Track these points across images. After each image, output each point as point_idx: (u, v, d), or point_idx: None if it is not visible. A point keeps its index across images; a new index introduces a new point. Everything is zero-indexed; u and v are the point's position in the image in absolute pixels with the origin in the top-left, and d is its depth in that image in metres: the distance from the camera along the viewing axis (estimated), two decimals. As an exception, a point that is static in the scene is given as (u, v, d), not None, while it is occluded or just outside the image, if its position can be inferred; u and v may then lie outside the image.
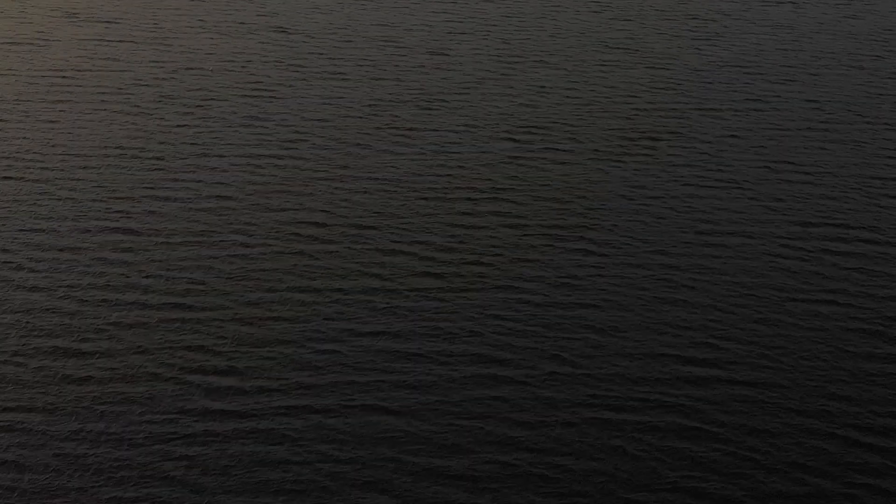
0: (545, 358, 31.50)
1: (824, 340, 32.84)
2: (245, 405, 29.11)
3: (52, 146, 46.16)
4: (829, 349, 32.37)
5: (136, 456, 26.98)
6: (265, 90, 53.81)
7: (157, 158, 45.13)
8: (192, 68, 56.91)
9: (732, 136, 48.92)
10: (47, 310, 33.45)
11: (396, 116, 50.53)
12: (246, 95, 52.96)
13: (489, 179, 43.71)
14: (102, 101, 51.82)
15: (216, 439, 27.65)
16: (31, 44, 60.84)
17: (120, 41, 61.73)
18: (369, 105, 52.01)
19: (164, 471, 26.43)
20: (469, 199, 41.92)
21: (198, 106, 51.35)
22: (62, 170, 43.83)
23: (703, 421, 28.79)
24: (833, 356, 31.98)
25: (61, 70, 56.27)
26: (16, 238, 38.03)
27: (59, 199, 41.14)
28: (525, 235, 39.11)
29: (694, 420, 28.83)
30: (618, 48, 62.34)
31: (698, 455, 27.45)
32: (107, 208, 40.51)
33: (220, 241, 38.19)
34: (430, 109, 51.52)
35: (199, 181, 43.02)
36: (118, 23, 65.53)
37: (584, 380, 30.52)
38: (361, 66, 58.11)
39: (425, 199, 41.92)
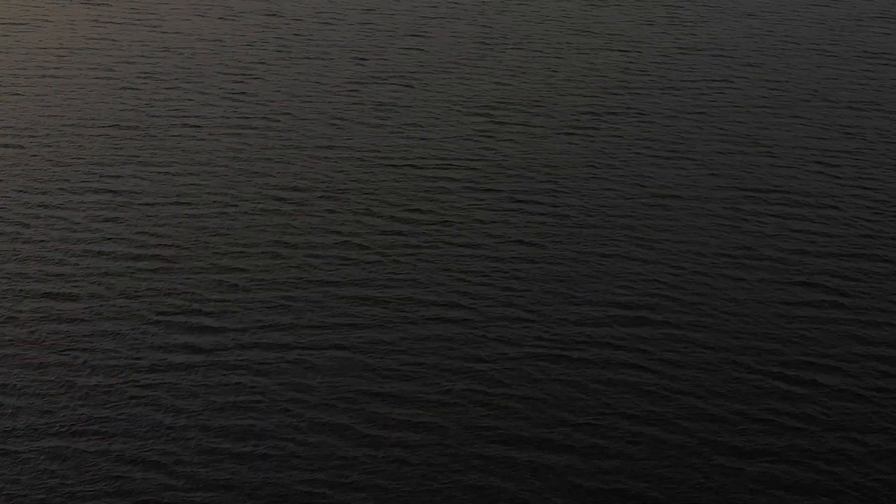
0: (503, 304, 33.92)
1: (754, 288, 35.30)
2: (219, 344, 31.53)
3: (45, 117, 48.54)
4: (756, 295, 34.83)
5: (119, 383, 29.42)
6: (250, 69, 56.17)
7: (144, 130, 47.52)
8: (180, 48, 59.28)
9: (696, 113, 51.30)
10: (39, 260, 35.88)
11: (376, 93, 52.91)
12: (231, 74, 55.31)
13: (461, 151, 46.10)
14: (95, 77, 54.17)
15: (195, 373, 30.07)
16: (27, 24, 63.23)
17: (112, 22, 64.07)
18: (350, 83, 54.39)
19: (147, 398, 28.88)
20: (441, 167, 44.30)
21: (185, 82, 53.71)
22: (54, 139, 46.22)
23: (644, 359, 31.23)
24: (758, 301, 34.44)
25: (54, 49, 58.63)
26: (10, 198, 40.43)
27: (51, 165, 43.52)
28: (493, 200, 41.50)
29: (632, 355, 31.26)
30: (591, 32, 64.69)
31: (639, 387, 29.90)
32: (95, 173, 42.91)
33: (203, 203, 40.59)
34: (409, 87, 53.90)
35: (184, 150, 45.41)
36: (110, 5, 67.88)
37: (538, 323, 32.93)
38: (344, 47, 60.47)
39: (398, 167, 44.31)
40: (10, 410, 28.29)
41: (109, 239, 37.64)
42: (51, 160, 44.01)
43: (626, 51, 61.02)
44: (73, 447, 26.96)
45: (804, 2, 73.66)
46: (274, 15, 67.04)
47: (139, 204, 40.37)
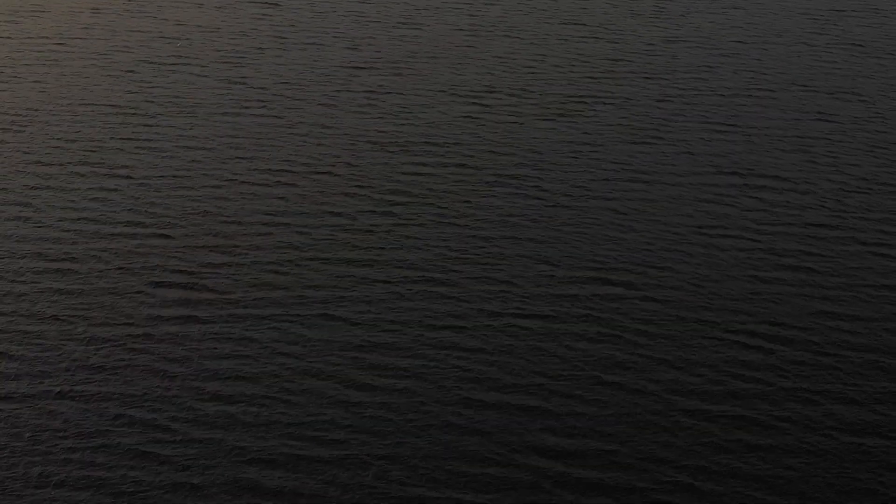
0: (483, 275, 35.49)
1: (724, 260, 36.89)
2: (207, 306, 33.10)
3: (46, 101, 50.10)
4: (725, 267, 36.42)
5: (115, 346, 31.02)
6: (245, 56, 57.71)
7: (141, 112, 49.08)
8: (177, 36, 60.82)
9: (676, 100, 52.85)
10: (40, 233, 37.46)
11: (367, 80, 54.46)
12: (227, 61, 56.85)
13: (448, 133, 47.67)
14: (94, 63, 55.74)
15: (188, 337, 31.66)
16: (31, 13, 64.77)
17: (110, 12, 65.60)
18: (342, 69, 55.94)
19: (141, 360, 30.49)
20: (428, 149, 45.85)
21: (181, 68, 55.26)
22: (55, 120, 47.78)
23: (616, 325, 32.82)
24: (727, 272, 36.04)
25: (54, 36, 60.20)
26: (13, 175, 41.98)
27: (52, 145, 45.09)
28: (477, 180, 43.07)
29: (605, 321, 32.85)
30: (578, 23, 66.25)
31: (612, 349, 31.49)
32: (94, 152, 44.47)
33: (197, 180, 42.15)
34: (399, 74, 55.45)
35: (180, 131, 46.96)
36: (111, -4, 69.52)
37: (517, 291, 34.51)
38: (337, 36, 62.01)
39: (387, 149, 45.87)
40: (12, 370, 29.84)
41: (107, 213, 39.19)
42: (51, 140, 45.56)
43: (612, 41, 62.57)
44: (73, 396, 28.52)
45: (789, -6, 75.30)
46: (269, 5, 68.58)
47: (136, 181, 41.93)
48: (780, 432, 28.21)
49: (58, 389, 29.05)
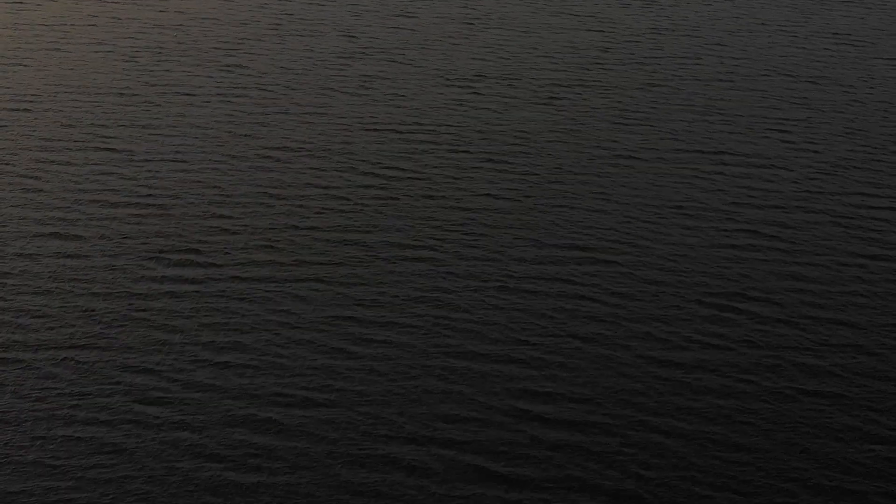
0: (470, 246, 37.23)
1: (700, 234, 38.62)
2: (203, 275, 34.86)
3: (51, 86, 51.90)
4: (701, 240, 38.17)
5: (117, 308, 32.80)
6: (243, 44, 59.47)
7: (143, 96, 50.86)
8: (177, 25, 62.59)
9: (661, 86, 54.58)
10: (47, 206, 39.23)
11: (362, 66, 56.20)
12: (226, 48, 58.60)
13: (439, 116, 49.41)
14: (98, 49, 57.53)
15: (187, 300, 33.42)
16: (36, 2, 66.57)
17: (114, 2, 67.38)
18: (338, 57, 57.69)
19: (142, 321, 32.26)
20: (420, 131, 47.59)
21: (182, 55, 57.04)
22: (60, 104, 49.57)
23: (596, 291, 34.56)
24: (703, 244, 37.78)
25: (60, 25, 61.99)
26: (21, 154, 43.74)
27: (58, 126, 46.87)
28: (466, 159, 44.81)
29: (585, 289, 34.58)
30: (568, 14, 67.99)
31: (590, 315, 33.22)
32: (97, 133, 46.25)
33: (196, 160, 43.89)
34: (393, 61, 57.19)
35: (180, 114, 48.72)
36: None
37: (502, 261, 36.26)
38: (333, 25, 63.75)
39: (380, 130, 47.61)
40: (18, 328, 31.58)
41: (110, 189, 40.95)
42: (57, 122, 47.33)
43: (601, 31, 64.31)
44: (75, 359, 30.26)
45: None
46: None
47: (138, 160, 43.69)
48: (748, 396, 29.94)
49: (63, 339, 30.78)
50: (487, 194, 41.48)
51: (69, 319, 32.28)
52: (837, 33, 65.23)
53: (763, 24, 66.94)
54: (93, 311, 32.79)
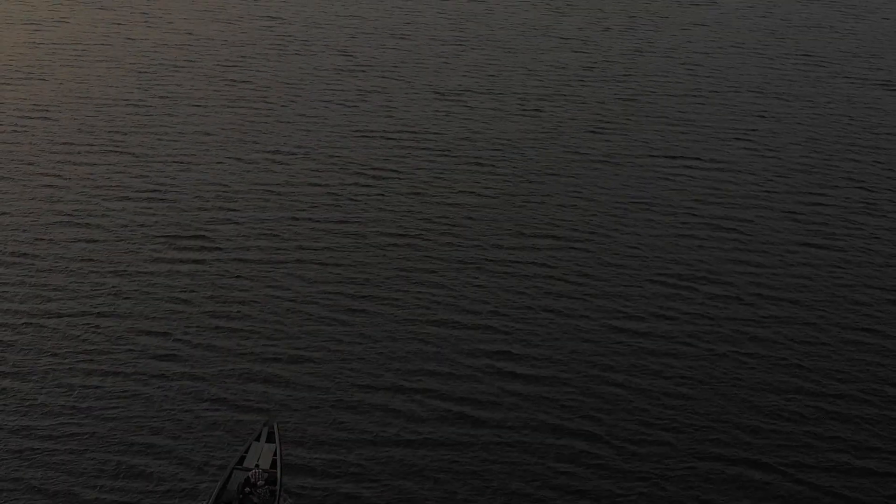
0: (450, 234, 41.08)
1: (661, 225, 42.45)
2: (210, 258, 38.69)
3: (69, 97, 55.97)
4: (661, 230, 41.99)
5: (133, 284, 36.66)
6: (247, 61, 63.60)
7: (154, 106, 54.91)
8: (186, 44, 66.78)
9: (634, 100, 58.60)
10: (68, 200, 43.17)
11: (357, 81, 60.27)
12: (231, 66, 62.73)
13: (428, 125, 53.40)
14: (111, 66, 61.68)
15: (197, 278, 37.25)
16: (54, 22, 70.77)
17: (127, 23, 71.63)
18: (334, 72, 61.78)
19: (156, 294, 36.09)
20: (409, 138, 51.56)
21: (190, 71, 61.16)
22: (78, 113, 53.61)
23: (559, 272, 38.37)
24: (662, 233, 41.62)
25: (75, 43, 66.18)
26: (43, 155, 47.69)
27: (76, 132, 50.87)
28: (451, 162, 48.73)
29: (550, 270, 38.39)
30: (554, 36, 72.19)
31: (559, 292, 37.01)
32: (112, 139, 50.25)
33: (203, 160, 47.84)
34: (387, 77, 61.29)
35: (188, 122, 52.74)
36: (123, 9, 75.51)
37: (480, 250, 40.09)
38: (330, 44, 67.90)
39: (373, 137, 51.59)
40: (45, 300, 35.39)
41: (125, 185, 44.89)
42: (75, 129, 51.35)
43: (583, 52, 68.47)
44: (96, 324, 34.06)
45: (751, 13, 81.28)
46: (271, 18, 74.63)
47: (150, 161, 47.63)
48: (694, 357, 33.72)
49: (79, 306, 34.56)
50: (471, 192, 45.35)
51: (89, 292, 36.11)
52: (808, 55, 69.33)
53: (736, 45, 71.10)
54: (111, 286, 36.61)
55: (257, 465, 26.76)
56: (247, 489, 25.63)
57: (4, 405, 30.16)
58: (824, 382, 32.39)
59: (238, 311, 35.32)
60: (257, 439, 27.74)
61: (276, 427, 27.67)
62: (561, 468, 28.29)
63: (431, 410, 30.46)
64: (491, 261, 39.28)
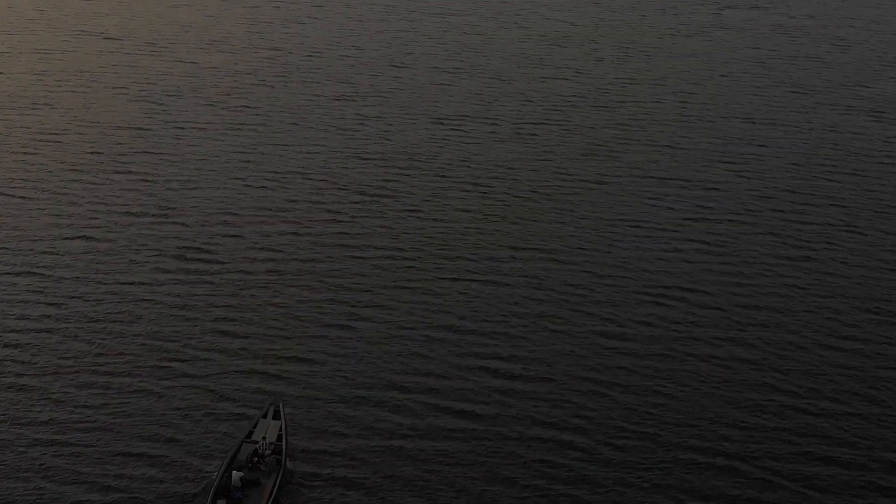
0: (444, 249, 42.85)
1: (635, 243, 44.19)
2: (213, 269, 40.45)
3: (79, 123, 57.98)
4: (636, 243, 43.73)
5: (137, 290, 38.38)
6: (251, 89, 65.67)
7: (160, 132, 56.86)
8: (192, 74, 68.84)
9: (626, 125, 60.51)
10: (78, 216, 45.00)
11: (356, 108, 62.25)
12: (237, 93, 64.78)
13: (423, 149, 55.31)
14: (119, 93, 63.76)
15: (205, 273, 38.96)
16: (63, 52, 72.94)
17: (134, 52, 73.82)
18: (336, 100, 63.77)
19: (168, 279, 37.81)
20: (406, 160, 53.45)
21: (196, 99, 63.17)
22: (87, 137, 55.54)
23: (543, 269, 40.07)
24: (638, 247, 43.36)
25: (83, 72, 68.31)
26: (54, 173, 49.56)
27: (84, 153, 52.76)
28: (445, 182, 50.56)
29: (534, 267, 40.09)
30: (546, 65, 74.33)
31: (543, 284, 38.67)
32: (118, 161, 52.15)
33: (208, 182, 49.68)
34: (385, 105, 63.27)
35: (193, 146, 54.65)
36: (131, 40, 77.74)
37: (469, 259, 41.82)
38: (332, 74, 70.00)
39: (370, 160, 53.45)
40: (58, 307, 37.09)
41: (132, 204, 46.69)
42: (84, 151, 53.25)
43: (577, 81, 70.53)
44: (105, 329, 35.74)
45: (741, 45, 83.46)
46: (274, 49, 76.80)
47: (156, 181, 49.45)
48: (673, 360, 35.40)
49: (95, 321, 36.27)
50: (466, 210, 47.14)
51: (99, 300, 37.80)
52: (795, 84, 71.36)
53: (726, 75, 73.14)
54: (120, 296, 38.31)
55: (264, 438, 29.47)
56: (255, 459, 28.34)
57: (32, 403, 31.83)
58: (799, 384, 34.03)
59: (241, 318, 36.99)
60: (264, 416, 30.45)
61: (281, 405, 30.43)
62: (550, 460, 29.88)
63: (425, 405, 32.10)
64: (485, 273, 40.98)
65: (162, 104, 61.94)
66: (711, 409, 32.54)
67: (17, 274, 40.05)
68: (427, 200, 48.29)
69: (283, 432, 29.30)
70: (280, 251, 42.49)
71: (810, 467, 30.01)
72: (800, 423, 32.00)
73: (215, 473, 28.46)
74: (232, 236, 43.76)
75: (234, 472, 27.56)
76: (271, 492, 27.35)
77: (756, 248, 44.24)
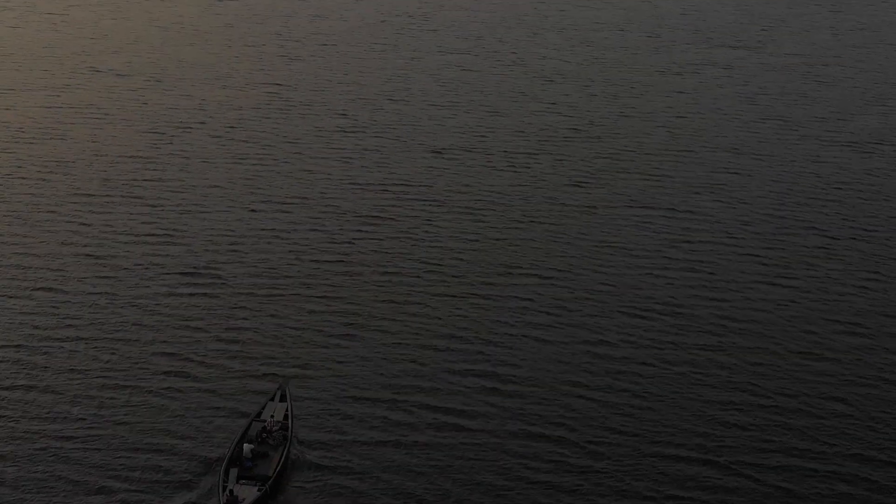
0: (440, 272, 44.94)
1: (620, 266, 46.30)
2: (217, 289, 42.57)
3: (87, 152, 60.28)
4: (621, 258, 45.84)
5: (144, 305, 40.38)
6: (254, 122, 68.07)
7: (166, 160, 59.15)
8: (198, 107, 71.30)
9: (613, 155, 62.80)
10: (90, 237, 47.14)
11: (356, 139, 64.62)
12: (240, 126, 67.17)
13: (416, 177, 57.57)
14: (127, 125, 66.17)
15: (199, 303, 41.06)
16: (74, 86, 75.36)
17: (141, 88, 76.33)
18: (335, 132, 66.13)
19: (163, 314, 39.88)
20: (399, 188, 55.69)
21: (199, 128, 65.53)
22: (95, 165, 57.82)
23: (535, 272, 42.14)
24: (624, 264, 45.46)
25: (92, 106, 70.74)
26: (64, 197, 51.80)
27: (96, 182, 55.03)
28: (438, 208, 52.76)
29: (526, 270, 42.14)
30: (539, 100, 76.79)
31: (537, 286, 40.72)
32: (129, 187, 54.41)
33: (213, 207, 51.87)
34: (381, 136, 65.63)
35: (198, 174, 56.91)
36: (141, 76, 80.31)
37: (463, 281, 43.95)
38: (331, 107, 72.43)
39: (365, 187, 55.69)
40: (67, 324, 39.18)
41: (140, 227, 48.84)
42: (94, 179, 55.51)
43: (569, 115, 72.95)
44: (111, 345, 37.82)
45: (730, 82, 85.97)
46: (276, 84, 79.30)
47: (163, 207, 51.64)
48: (655, 369, 37.43)
49: (102, 339, 38.34)
50: (460, 236, 49.30)
51: (108, 321, 39.91)
52: (781, 119, 73.76)
53: (714, 110, 75.58)
54: (128, 315, 40.42)
55: (272, 417, 32.76)
56: (263, 434, 31.68)
57: (45, 414, 33.86)
58: (775, 398, 36.08)
59: (243, 337, 39.07)
60: (272, 399, 33.63)
61: (288, 389, 33.77)
62: (538, 467, 31.89)
63: (419, 418, 34.12)
64: (478, 295, 43.08)
65: (169, 136, 64.32)
66: (690, 421, 34.54)
67: (33, 289, 42.18)
68: (421, 227, 50.50)
69: (290, 412, 32.82)
70: (282, 273, 44.62)
71: (783, 475, 32.01)
72: (773, 425, 34.02)
73: (228, 446, 31.92)
74: (236, 261, 45.90)
75: (245, 444, 30.87)
76: (279, 462, 30.71)
77: (737, 273, 46.37)
